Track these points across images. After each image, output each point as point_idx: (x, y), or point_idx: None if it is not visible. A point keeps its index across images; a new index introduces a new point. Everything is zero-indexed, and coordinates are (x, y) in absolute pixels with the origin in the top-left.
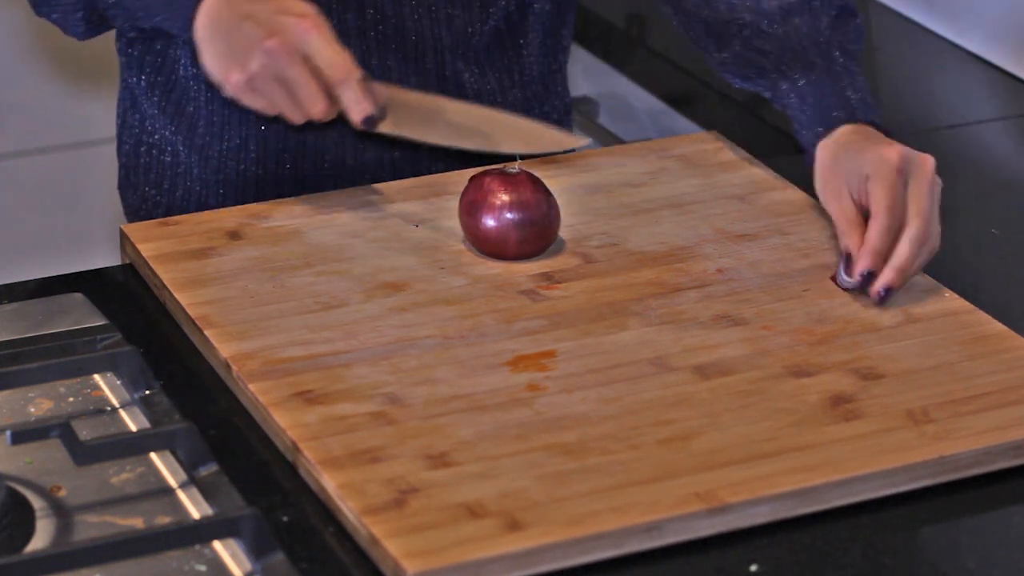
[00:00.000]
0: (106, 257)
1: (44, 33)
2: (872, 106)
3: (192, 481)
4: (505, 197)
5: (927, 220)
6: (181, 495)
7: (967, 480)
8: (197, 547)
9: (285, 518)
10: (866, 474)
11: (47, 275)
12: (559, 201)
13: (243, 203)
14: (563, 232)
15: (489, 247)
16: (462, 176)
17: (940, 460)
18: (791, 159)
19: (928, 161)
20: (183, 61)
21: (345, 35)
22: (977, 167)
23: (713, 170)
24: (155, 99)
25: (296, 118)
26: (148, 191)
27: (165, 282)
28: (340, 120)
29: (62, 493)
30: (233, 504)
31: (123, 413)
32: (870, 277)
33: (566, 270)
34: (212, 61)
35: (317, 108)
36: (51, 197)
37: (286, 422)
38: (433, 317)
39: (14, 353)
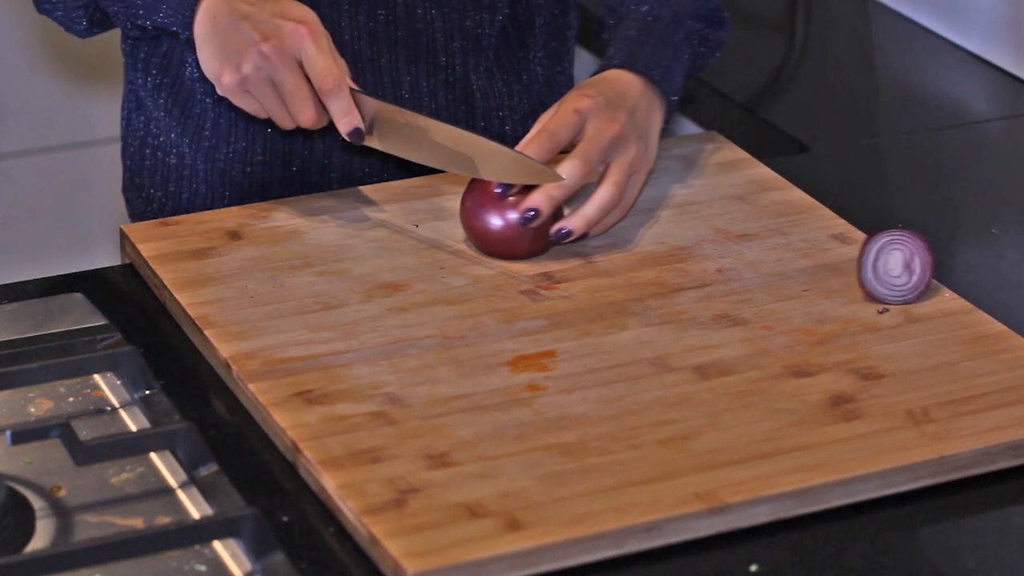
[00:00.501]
0: (106, 257)
1: (46, 32)
2: (671, 83)
3: (192, 481)
4: (512, 198)
5: (616, 184)
6: (181, 495)
7: (967, 480)
8: (197, 547)
9: (285, 518)
10: (866, 474)
11: (47, 275)
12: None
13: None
14: None
15: (498, 248)
16: (462, 176)
17: (940, 460)
18: (791, 159)
19: (612, 127)
20: (189, 63)
21: (356, 35)
22: (977, 167)
23: (713, 170)
24: (161, 101)
25: (285, 123)
26: (153, 193)
27: (165, 282)
28: (330, 129)
29: (62, 493)
30: (233, 504)
31: (123, 413)
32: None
33: (566, 270)
34: (207, 60)
35: (306, 116)
36: (52, 197)
37: (286, 422)
38: (433, 317)
39: (14, 353)
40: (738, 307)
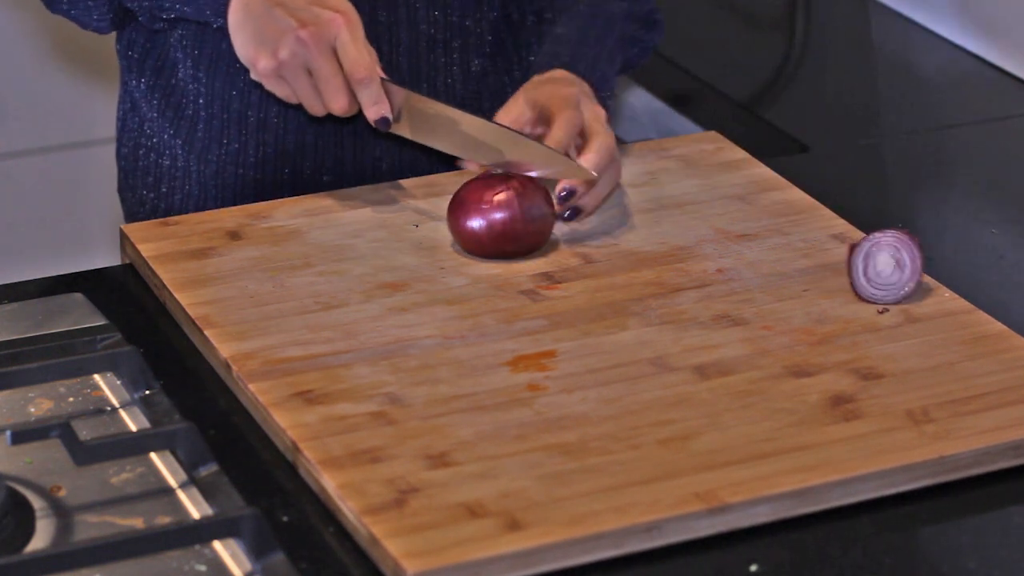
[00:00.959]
0: (106, 257)
1: (46, 33)
2: (606, 84)
3: (192, 481)
4: (476, 199)
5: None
6: (181, 495)
7: (967, 480)
8: (197, 547)
9: (285, 518)
10: (866, 474)
11: (47, 275)
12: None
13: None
14: (563, 232)
15: (466, 246)
16: (462, 176)
17: (940, 460)
18: (791, 159)
19: (601, 112)
20: (183, 65)
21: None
22: (977, 167)
23: (713, 170)
24: (154, 102)
25: (316, 110)
26: (146, 194)
27: (165, 282)
28: (348, 121)
29: (62, 493)
30: (233, 504)
31: (123, 413)
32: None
33: (566, 270)
34: (241, 45)
35: (339, 103)
36: (52, 197)
37: (286, 422)
38: (433, 317)
39: (14, 353)
40: (738, 307)
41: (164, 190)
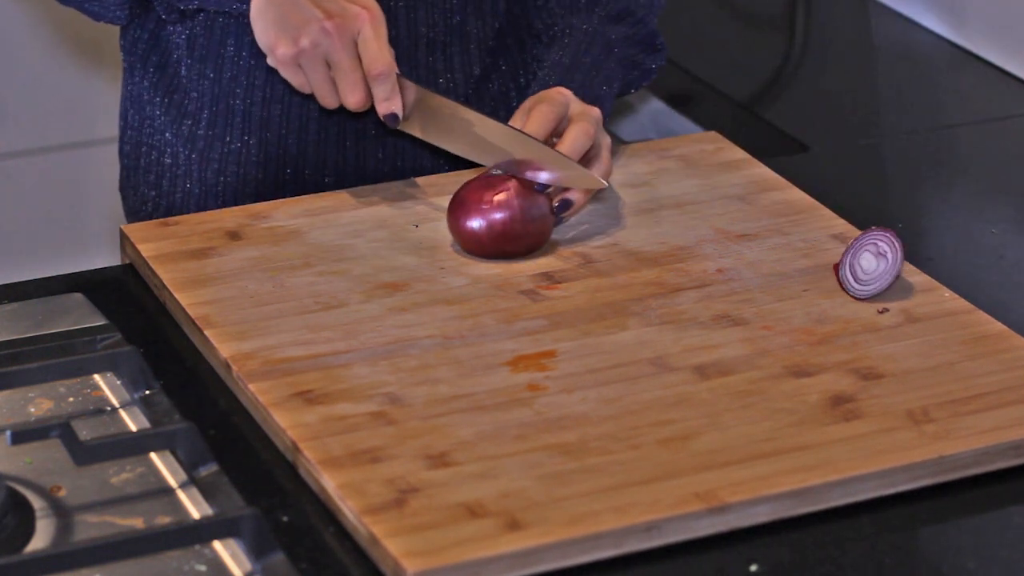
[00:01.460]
0: (106, 257)
1: (46, 32)
2: (601, 107)
3: (192, 481)
4: (476, 199)
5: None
6: (181, 495)
7: (967, 480)
8: (197, 547)
9: (285, 518)
10: (866, 474)
11: (47, 275)
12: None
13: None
14: (563, 232)
15: (466, 246)
16: (462, 176)
17: (940, 460)
18: (791, 159)
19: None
20: (186, 62)
21: None
22: (977, 167)
23: (713, 170)
24: (157, 100)
25: (328, 102)
26: (147, 192)
27: (165, 282)
28: (355, 118)
29: (62, 493)
30: (233, 504)
31: (123, 413)
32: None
33: (566, 270)
34: (262, 30)
35: (355, 98)
36: (52, 197)
37: (286, 422)
38: (433, 317)
39: (14, 353)
40: (738, 307)
41: (165, 188)
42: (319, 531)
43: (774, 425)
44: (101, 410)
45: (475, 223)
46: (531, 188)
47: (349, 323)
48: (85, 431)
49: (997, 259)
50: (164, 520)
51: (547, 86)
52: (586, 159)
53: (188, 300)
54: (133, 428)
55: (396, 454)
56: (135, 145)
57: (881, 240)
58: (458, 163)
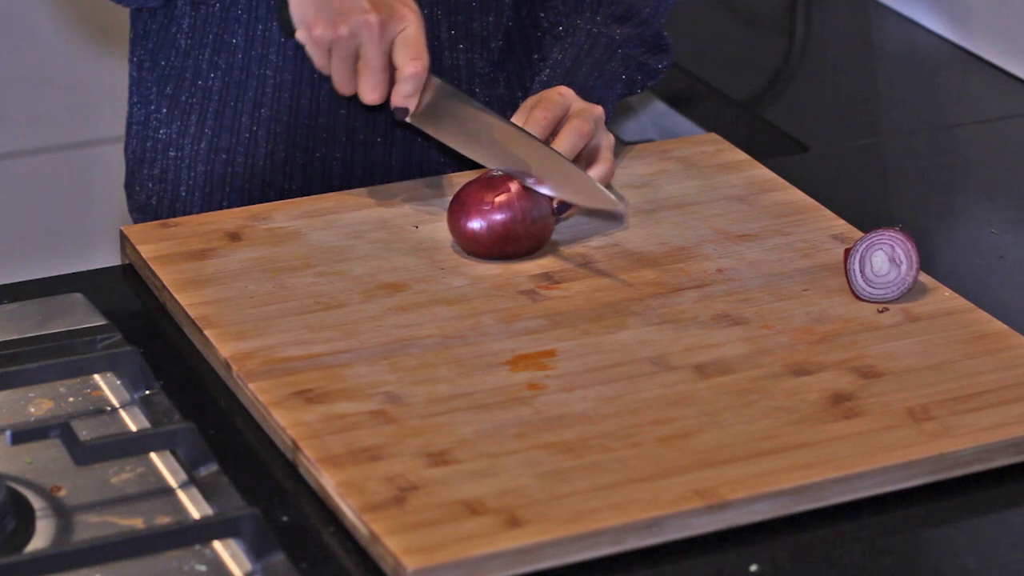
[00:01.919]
0: (106, 257)
1: (45, 32)
2: (601, 105)
3: (192, 481)
4: (476, 200)
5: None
6: (181, 495)
7: (967, 480)
8: (197, 547)
9: (285, 518)
10: (866, 471)
11: (47, 275)
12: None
13: (249, 201)
14: (563, 232)
15: (466, 247)
16: (462, 177)
17: (940, 457)
18: (791, 159)
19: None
20: (194, 57)
21: None
22: (977, 167)
23: (713, 171)
24: (164, 92)
25: (345, 91)
26: (152, 187)
27: (165, 283)
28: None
29: (62, 493)
30: (233, 504)
31: (123, 413)
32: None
33: (566, 270)
34: (302, 3)
35: (373, 95)
36: (52, 196)
37: (286, 421)
38: (433, 317)
39: (14, 353)
40: (738, 307)
41: (170, 183)
42: (319, 531)
43: (774, 423)
44: (101, 410)
45: (475, 224)
46: (532, 189)
47: (349, 323)
48: (85, 431)
49: (997, 259)
50: (164, 520)
51: (549, 86)
52: (586, 159)
53: (188, 300)
54: (133, 428)
55: (396, 452)
56: (141, 139)
57: (899, 246)
58: (464, 161)
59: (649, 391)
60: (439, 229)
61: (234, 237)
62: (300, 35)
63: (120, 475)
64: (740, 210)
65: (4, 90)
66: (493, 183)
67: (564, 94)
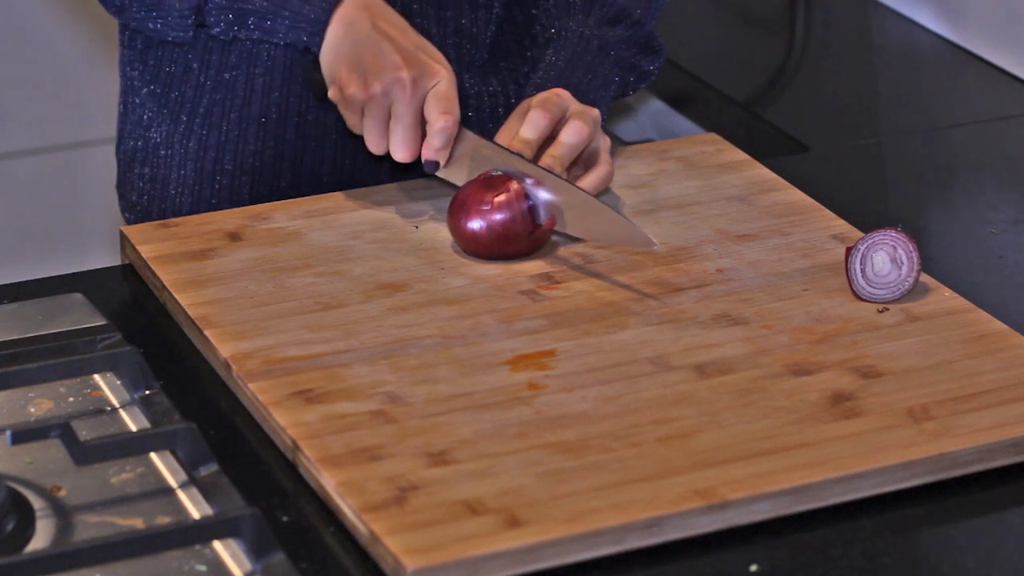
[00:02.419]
0: (106, 257)
1: (44, 33)
2: (595, 107)
3: (192, 481)
4: (476, 200)
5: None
6: (181, 495)
7: (967, 480)
8: (197, 547)
9: (285, 518)
10: (866, 471)
11: (47, 275)
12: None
13: (239, 200)
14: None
15: (466, 247)
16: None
17: (940, 457)
18: (791, 159)
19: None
20: (182, 58)
21: None
22: (977, 167)
23: (713, 171)
24: (155, 94)
25: (377, 149)
26: (143, 186)
27: (165, 283)
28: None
29: (62, 493)
30: (233, 504)
31: (123, 413)
32: None
33: (566, 270)
34: (334, 62)
35: (404, 153)
36: (50, 197)
37: (286, 421)
38: (433, 317)
39: (14, 353)
40: (738, 307)
41: (160, 181)
42: (319, 531)
43: (774, 423)
44: (101, 410)
45: (475, 224)
46: (531, 189)
47: (349, 323)
48: (85, 431)
49: (997, 259)
50: (164, 520)
51: (542, 88)
52: (585, 162)
53: (188, 300)
54: (133, 428)
55: (396, 452)
56: (132, 139)
57: (901, 246)
58: None
59: (649, 391)
60: (439, 229)
61: (234, 237)
62: (332, 94)
63: (120, 475)
64: (740, 210)
65: (4, 90)
66: (493, 183)
67: (562, 96)
